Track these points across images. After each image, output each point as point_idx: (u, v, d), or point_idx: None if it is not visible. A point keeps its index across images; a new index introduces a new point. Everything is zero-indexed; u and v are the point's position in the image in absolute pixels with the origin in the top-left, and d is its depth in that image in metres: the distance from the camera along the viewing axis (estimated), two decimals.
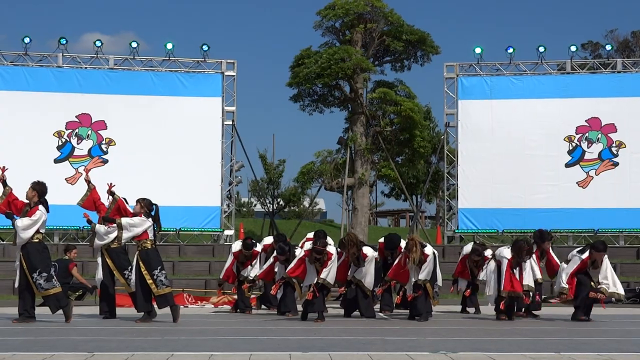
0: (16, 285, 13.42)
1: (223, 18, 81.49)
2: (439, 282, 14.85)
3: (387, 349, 9.18)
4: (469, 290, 16.43)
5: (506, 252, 14.22)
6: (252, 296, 17.05)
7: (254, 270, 15.89)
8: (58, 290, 13.27)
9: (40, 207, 13.23)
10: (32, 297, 13.22)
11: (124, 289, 14.20)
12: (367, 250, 14.74)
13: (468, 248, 16.66)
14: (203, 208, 25.77)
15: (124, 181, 23.09)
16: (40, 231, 13.29)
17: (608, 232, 24.55)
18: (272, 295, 15.48)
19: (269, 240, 16.70)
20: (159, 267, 13.50)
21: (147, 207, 13.72)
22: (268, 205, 40.76)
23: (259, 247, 16.29)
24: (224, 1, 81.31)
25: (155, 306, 13.57)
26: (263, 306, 17.11)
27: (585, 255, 14.20)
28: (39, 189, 13.37)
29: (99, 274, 14.27)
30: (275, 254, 15.34)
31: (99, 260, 14.26)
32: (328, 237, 14.16)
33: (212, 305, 18.36)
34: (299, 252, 14.41)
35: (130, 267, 13.79)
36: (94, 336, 10.87)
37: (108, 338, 10.64)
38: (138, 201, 13.79)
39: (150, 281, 13.38)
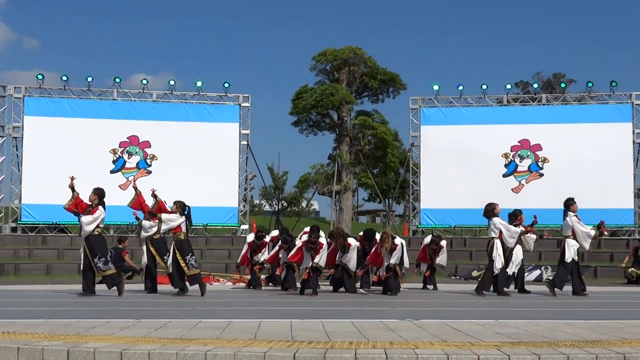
0: (81, 267, 13.42)
1: (241, 62, 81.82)
2: (406, 264, 14.82)
3: (365, 317, 9.16)
4: (428, 272, 16.40)
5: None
6: (262, 277, 17.03)
7: (264, 256, 15.92)
8: (113, 272, 13.27)
9: (100, 207, 13.25)
10: (93, 276, 13.21)
11: (164, 270, 14.18)
12: (351, 240, 14.73)
13: (428, 239, 16.66)
14: (224, 208, 25.73)
15: (163, 187, 23.05)
16: (100, 226, 13.31)
17: (535, 228, 24.35)
18: (277, 275, 15.47)
19: (275, 232, 16.77)
20: (190, 254, 13.50)
21: (181, 207, 13.73)
22: (274, 206, 40.76)
23: (267, 238, 16.31)
24: (241, 49, 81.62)
25: (187, 284, 13.55)
26: (270, 284, 17.06)
27: (572, 213, 14.23)
28: (99, 193, 13.40)
29: (144, 259, 14.25)
30: (280, 243, 15.36)
31: (144, 248, 14.23)
32: (320, 231, 14.16)
33: (231, 283, 18.32)
34: (298, 242, 14.45)
35: (168, 254, 13.77)
36: (140, 307, 10.84)
37: (151, 308, 10.61)
38: (175, 202, 13.81)
39: (183, 264, 13.36)
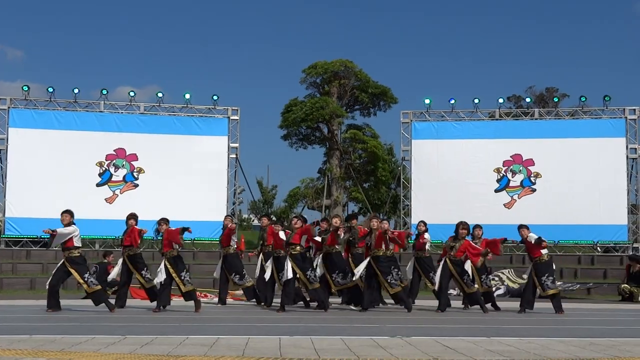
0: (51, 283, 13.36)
1: (229, 75, 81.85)
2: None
3: (355, 334, 9.15)
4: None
5: None
6: (237, 293, 17.06)
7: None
8: (100, 288, 13.31)
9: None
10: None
11: (141, 285, 14.35)
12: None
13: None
14: (212, 222, 25.60)
15: (151, 201, 23.14)
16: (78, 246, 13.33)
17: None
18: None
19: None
20: (184, 270, 13.52)
21: (165, 223, 13.82)
22: None
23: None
24: (230, 62, 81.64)
25: (181, 299, 13.63)
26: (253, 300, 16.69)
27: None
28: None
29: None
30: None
31: (120, 262, 14.38)
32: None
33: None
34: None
35: (146, 268, 13.94)
36: (126, 323, 10.79)
37: (137, 324, 10.56)
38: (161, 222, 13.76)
39: (178, 281, 13.34)
